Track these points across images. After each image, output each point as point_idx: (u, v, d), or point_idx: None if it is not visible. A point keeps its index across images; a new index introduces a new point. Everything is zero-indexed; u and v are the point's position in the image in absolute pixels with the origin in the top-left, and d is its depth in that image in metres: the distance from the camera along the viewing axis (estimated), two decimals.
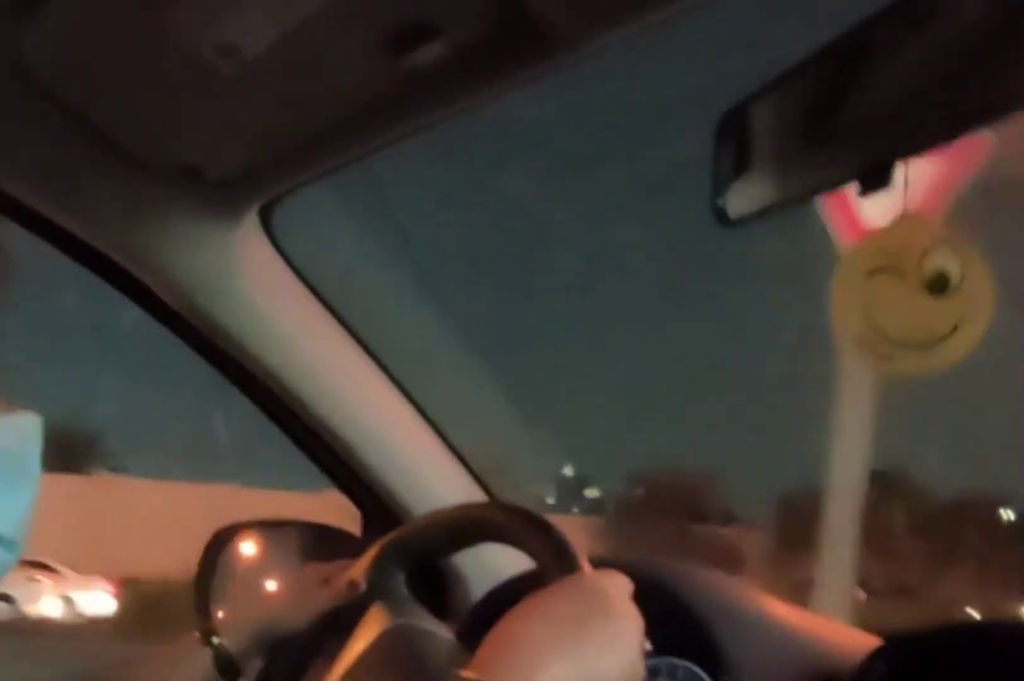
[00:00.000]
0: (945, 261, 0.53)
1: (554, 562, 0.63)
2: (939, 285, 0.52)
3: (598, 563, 0.69)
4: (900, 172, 0.56)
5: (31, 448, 0.60)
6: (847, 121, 0.62)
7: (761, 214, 0.67)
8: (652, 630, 0.79)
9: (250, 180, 0.88)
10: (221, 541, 1.22)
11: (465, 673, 0.54)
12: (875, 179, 0.57)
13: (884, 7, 0.58)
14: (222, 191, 0.89)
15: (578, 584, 0.60)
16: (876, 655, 0.78)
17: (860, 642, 0.81)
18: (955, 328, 0.54)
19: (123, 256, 0.96)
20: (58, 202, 0.92)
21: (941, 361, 0.54)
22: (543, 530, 0.66)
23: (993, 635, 0.75)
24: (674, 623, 0.83)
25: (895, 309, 0.54)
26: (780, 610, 0.83)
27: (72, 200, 0.92)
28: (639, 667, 0.59)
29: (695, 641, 0.82)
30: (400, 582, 0.77)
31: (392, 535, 0.79)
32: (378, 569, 0.76)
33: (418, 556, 0.79)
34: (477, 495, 1.17)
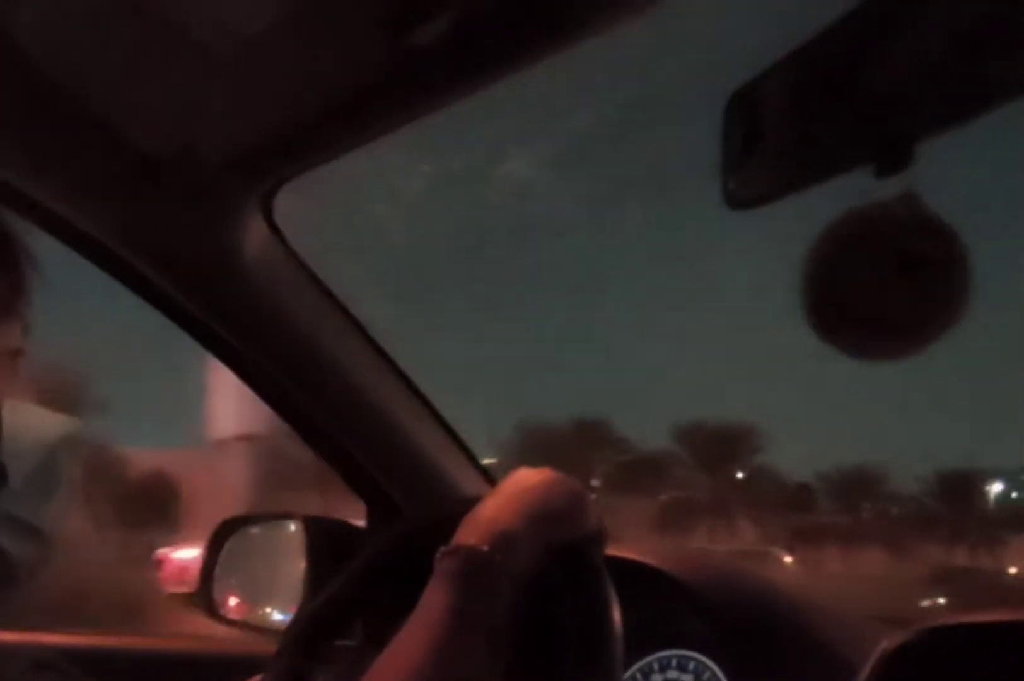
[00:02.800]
0: (929, 247, 0.51)
1: None
2: (915, 269, 0.51)
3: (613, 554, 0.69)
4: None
5: (63, 446, 0.61)
6: (861, 100, 0.60)
7: (771, 197, 0.65)
8: (662, 621, 0.78)
9: (250, 165, 0.86)
10: (226, 530, 1.22)
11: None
12: (892, 160, 0.55)
13: None
14: (222, 176, 0.88)
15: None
16: (890, 647, 0.77)
17: (876, 632, 0.80)
18: (920, 316, 0.53)
19: (120, 242, 0.94)
20: (53, 187, 0.90)
21: (906, 346, 0.53)
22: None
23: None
24: (684, 614, 0.82)
25: (864, 285, 0.53)
26: (793, 599, 0.82)
27: (68, 185, 0.90)
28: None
29: (705, 632, 0.81)
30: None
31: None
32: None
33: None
34: (482, 487, 1.16)
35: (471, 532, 0.64)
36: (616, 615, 0.65)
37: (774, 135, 0.64)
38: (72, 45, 0.77)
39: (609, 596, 0.65)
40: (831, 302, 0.56)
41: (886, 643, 0.75)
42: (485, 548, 0.62)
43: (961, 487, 21.30)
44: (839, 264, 0.56)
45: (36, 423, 0.61)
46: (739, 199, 0.66)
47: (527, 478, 0.70)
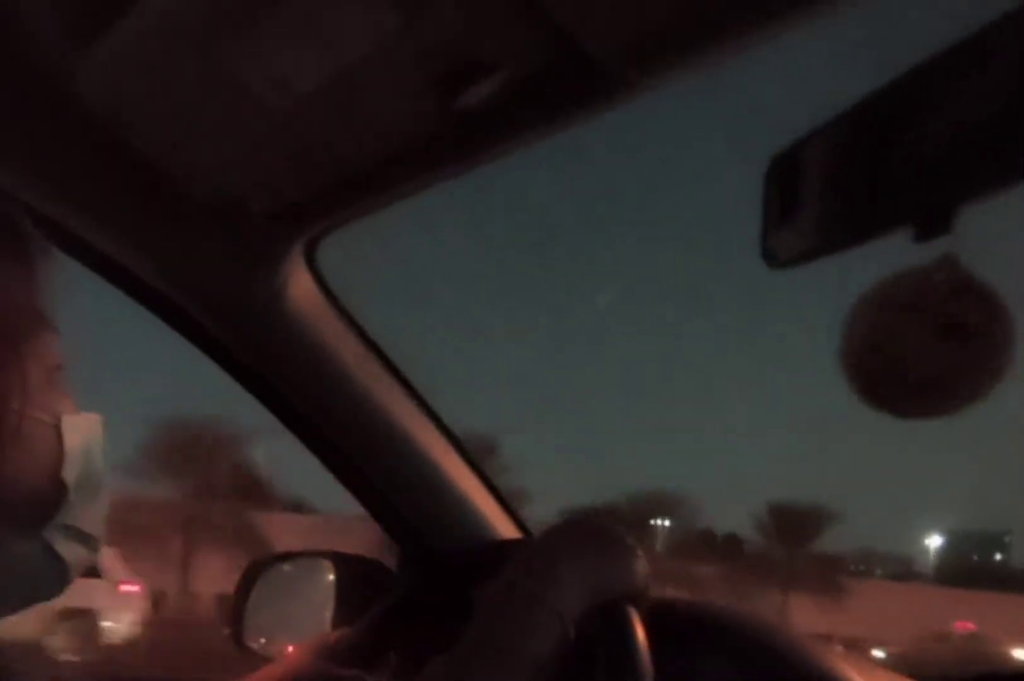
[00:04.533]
0: (967, 309, 0.52)
1: None
2: (954, 331, 0.52)
3: (655, 604, 0.69)
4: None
5: (96, 446, 0.62)
6: (900, 165, 0.61)
7: (809, 257, 0.66)
8: (698, 672, 0.77)
9: (296, 214, 0.88)
10: (256, 569, 1.23)
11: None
12: (932, 225, 0.56)
13: (937, 52, 0.57)
14: (268, 225, 0.90)
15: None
16: None
17: None
18: (960, 377, 0.53)
19: (168, 286, 0.97)
20: (104, 231, 0.93)
21: (947, 406, 0.53)
22: None
23: None
24: (721, 665, 0.82)
25: (907, 348, 0.53)
26: (831, 658, 0.81)
27: (119, 229, 0.93)
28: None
29: None
30: None
31: None
32: None
33: None
34: (510, 530, 1.16)
35: (523, 569, 0.65)
36: (647, 667, 0.65)
37: (813, 198, 0.65)
38: (128, 93, 0.79)
39: (642, 656, 0.65)
40: (873, 363, 0.57)
41: None
42: (536, 587, 0.63)
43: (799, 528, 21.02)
44: (880, 326, 0.56)
45: (73, 427, 0.62)
46: (778, 259, 0.67)
47: (584, 526, 0.71)
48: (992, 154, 0.56)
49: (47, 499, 0.60)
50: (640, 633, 0.66)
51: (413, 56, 0.69)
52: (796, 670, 0.79)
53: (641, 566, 0.70)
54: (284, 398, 1.04)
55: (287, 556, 1.27)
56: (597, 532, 0.70)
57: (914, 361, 0.55)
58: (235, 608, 1.19)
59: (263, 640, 1.20)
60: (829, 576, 19.68)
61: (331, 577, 1.20)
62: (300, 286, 0.96)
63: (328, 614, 1.18)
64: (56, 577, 0.62)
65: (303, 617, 1.23)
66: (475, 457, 1.13)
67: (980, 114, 0.56)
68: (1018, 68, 0.55)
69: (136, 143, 0.84)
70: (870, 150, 0.62)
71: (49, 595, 0.62)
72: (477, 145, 0.75)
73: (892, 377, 0.56)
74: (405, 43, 0.68)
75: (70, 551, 0.61)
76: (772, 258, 0.67)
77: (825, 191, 0.65)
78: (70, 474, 0.60)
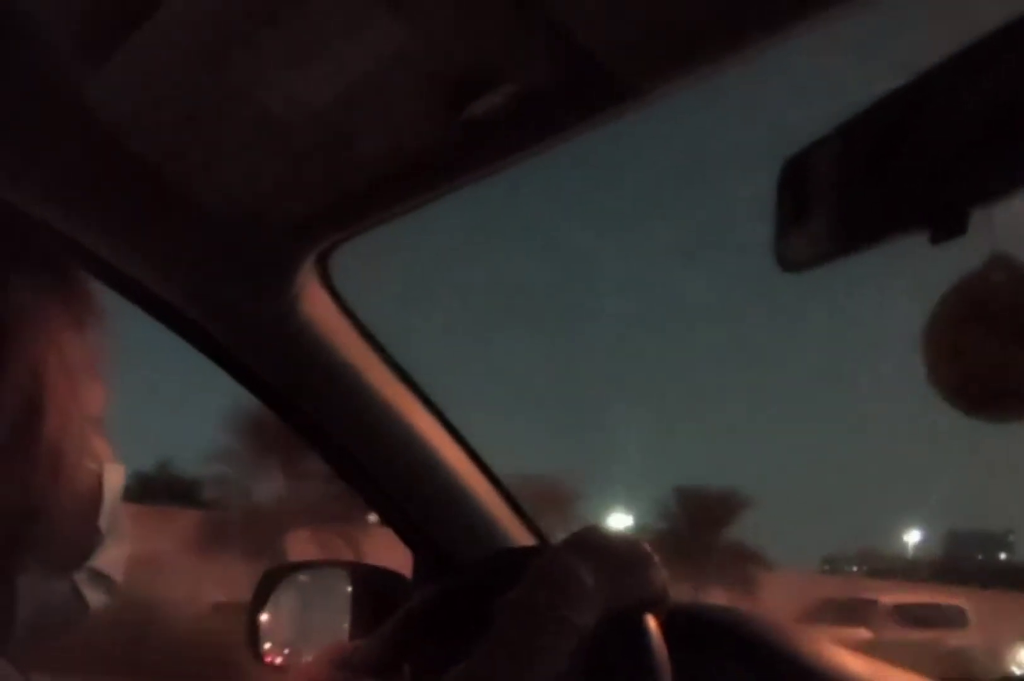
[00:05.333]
0: None
1: None
2: None
3: (674, 611, 0.69)
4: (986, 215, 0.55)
5: (118, 493, 0.64)
6: (913, 168, 0.61)
7: (823, 260, 0.66)
8: (716, 677, 0.77)
9: (308, 227, 0.89)
10: (272, 579, 1.23)
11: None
12: (948, 227, 0.56)
13: (947, 54, 0.57)
14: (280, 237, 0.90)
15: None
16: None
17: None
18: None
19: (181, 299, 0.97)
20: (116, 245, 0.93)
21: None
22: None
23: None
24: (739, 671, 0.81)
25: (987, 358, 0.53)
26: (849, 660, 0.81)
27: (131, 243, 0.93)
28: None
29: None
30: None
31: None
32: None
33: None
34: (526, 537, 1.16)
35: (540, 580, 0.65)
36: (667, 678, 0.65)
37: (826, 201, 0.65)
38: (141, 108, 0.80)
39: (660, 660, 0.65)
40: (964, 379, 0.56)
41: None
42: (554, 598, 0.63)
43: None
44: (960, 343, 0.56)
45: (111, 475, 0.63)
46: (791, 262, 0.67)
47: (601, 535, 0.70)
48: (1005, 154, 0.56)
49: (85, 543, 0.61)
50: (659, 643, 0.66)
51: (420, 69, 0.70)
52: (815, 678, 0.79)
53: (659, 574, 0.70)
54: (298, 408, 1.04)
55: (303, 565, 1.27)
56: (615, 541, 0.70)
57: (1005, 373, 0.54)
58: (250, 618, 1.19)
59: (279, 650, 1.20)
60: (742, 568, 17.86)
61: (348, 587, 1.20)
62: (313, 297, 0.96)
63: (345, 624, 1.18)
64: (76, 617, 0.63)
65: (319, 627, 1.23)
66: (489, 464, 1.13)
67: (992, 115, 0.56)
68: None
69: (149, 157, 0.84)
70: (882, 152, 0.62)
71: (65, 633, 0.63)
72: (485, 156, 0.76)
73: (989, 393, 0.55)
74: (412, 56, 0.69)
75: (93, 593, 0.63)
76: (785, 261, 0.67)
77: (838, 194, 0.65)
78: (104, 520, 0.61)
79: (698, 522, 18.82)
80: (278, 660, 1.22)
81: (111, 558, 0.64)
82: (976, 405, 0.54)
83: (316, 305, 0.97)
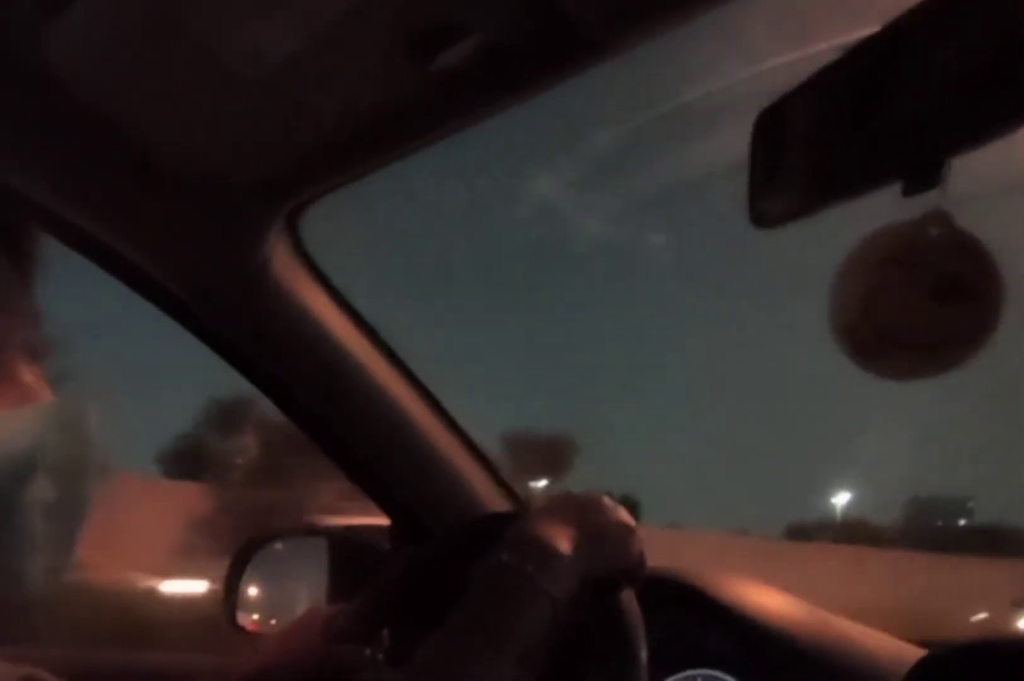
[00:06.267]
0: (962, 266, 0.51)
1: None
2: (949, 289, 0.50)
3: (650, 578, 0.69)
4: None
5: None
6: (889, 119, 0.60)
7: (797, 215, 0.65)
8: (690, 639, 0.77)
9: (276, 186, 0.87)
10: (250, 547, 1.22)
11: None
12: (922, 179, 0.55)
13: (917, 5, 0.56)
14: (248, 197, 0.89)
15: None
16: (920, 666, 0.76)
17: (904, 653, 0.80)
18: (955, 335, 0.52)
19: (148, 261, 0.95)
20: (79, 205, 0.91)
21: (940, 366, 0.52)
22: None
23: None
24: (713, 633, 0.82)
25: (899, 307, 0.52)
26: (824, 620, 0.81)
27: (94, 204, 0.91)
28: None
29: (734, 652, 0.81)
30: None
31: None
32: None
33: None
34: (504, 502, 1.16)
35: (515, 549, 0.63)
36: (643, 652, 0.64)
37: (801, 154, 0.64)
38: (99, 65, 0.78)
39: (638, 633, 0.65)
40: (864, 324, 0.55)
41: (916, 662, 0.75)
42: (529, 567, 0.61)
43: None
44: (872, 285, 0.55)
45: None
46: (765, 217, 0.66)
47: (580, 501, 0.69)
48: (977, 105, 0.55)
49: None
50: (636, 616, 0.65)
51: (386, 20, 0.68)
52: (793, 642, 0.79)
53: (637, 542, 0.69)
54: (270, 373, 1.03)
55: (281, 533, 1.26)
56: (593, 508, 0.68)
57: (911, 324, 0.54)
58: (227, 586, 1.19)
59: (255, 618, 1.20)
60: None
61: (326, 554, 1.19)
62: (283, 259, 0.95)
63: (323, 591, 1.18)
64: (28, 589, 0.61)
65: (297, 595, 1.23)
66: (466, 429, 1.12)
67: (963, 66, 0.56)
68: (999, 21, 0.54)
69: (109, 116, 0.82)
70: (856, 104, 0.61)
71: (19, 605, 0.62)
72: (455, 108, 0.74)
73: (887, 340, 0.55)
74: (378, 8, 0.67)
75: (50, 564, 0.61)
76: (760, 217, 0.66)
77: (812, 147, 0.64)
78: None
79: (525, 470, 16.48)
80: (254, 627, 1.22)
81: (68, 529, 0.62)
82: (867, 351, 0.54)
83: (287, 267, 0.95)
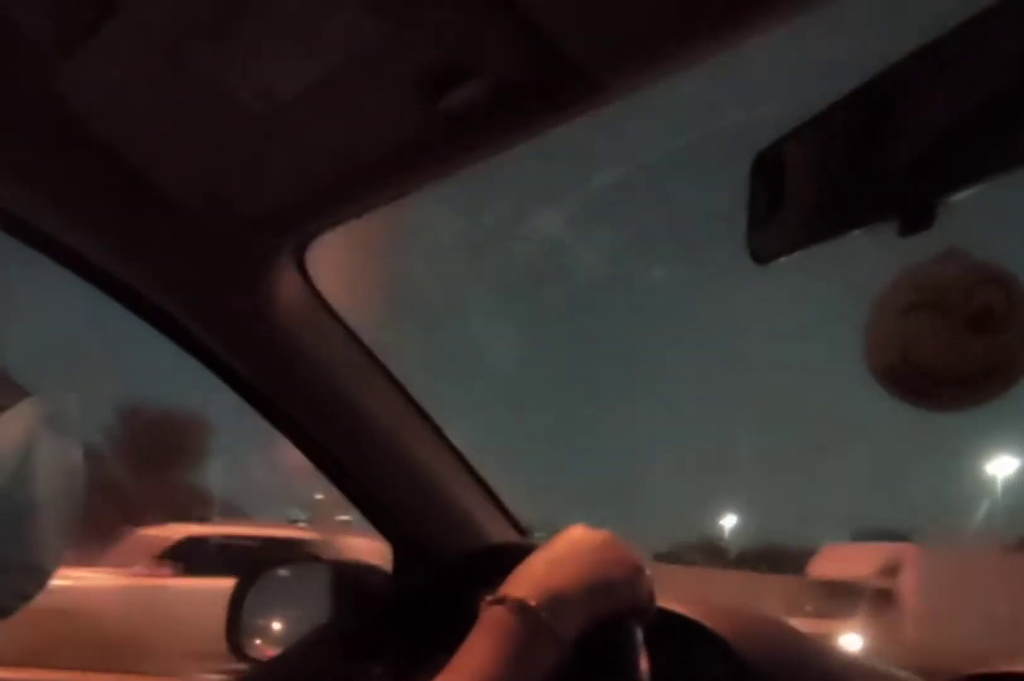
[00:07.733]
0: (992, 297, 0.52)
1: None
2: (984, 322, 0.51)
3: (660, 615, 0.68)
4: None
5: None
6: (884, 161, 0.61)
7: (792, 249, 0.66)
8: (694, 672, 0.77)
9: (284, 219, 0.88)
10: (251, 575, 1.22)
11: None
12: (917, 220, 0.56)
13: (917, 48, 0.57)
14: (256, 230, 0.90)
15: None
16: None
17: None
18: (998, 364, 0.53)
19: (156, 292, 0.97)
20: (90, 237, 0.92)
21: (980, 398, 0.53)
22: None
23: None
24: (717, 666, 0.82)
25: (937, 347, 0.53)
26: (825, 653, 0.81)
27: (105, 235, 0.92)
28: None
29: None
30: None
31: None
32: None
33: None
34: (508, 532, 1.16)
35: (523, 585, 0.62)
36: None
37: (797, 194, 0.65)
38: (112, 98, 0.79)
39: (643, 674, 0.64)
40: (905, 367, 0.56)
41: None
42: (535, 604, 0.60)
43: None
44: (906, 333, 0.55)
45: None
46: (762, 254, 0.67)
47: (587, 539, 0.67)
48: (973, 148, 0.56)
49: None
50: (642, 653, 0.65)
51: (396, 61, 0.69)
52: (789, 667, 0.79)
53: (646, 582, 0.67)
54: (275, 401, 1.04)
55: (282, 562, 1.26)
56: (603, 546, 0.67)
57: (952, 360, 0.54)
58: (231, 614, 1.19)
59: (259, 643, 1.20)
60: None
61: (328, 581, 1.20)
62: (290, 289, 0.96)
63: (325, 618, 1.18)
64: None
65: (298, 622, 1.23)
66: (470, 457, 1.12)
67: (959, 109, 0.57)
68: (996, 65, 0.55)
69: (120, 149, 0.84)
70: (853, 145, 0.62)
71: None
72: (462, 148, 0.76)
73: (932, 379, 0.55)
74: (387, 48, 0.68)
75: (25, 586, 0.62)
76: (757, 254, 0.67)
77: (810, 186, 0.65)
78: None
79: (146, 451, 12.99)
80: (258, 654, 1.22)
81: (49, 549, 0.62)
82: (914, 390, 0.55)
83: (293, 298, 0.97)
